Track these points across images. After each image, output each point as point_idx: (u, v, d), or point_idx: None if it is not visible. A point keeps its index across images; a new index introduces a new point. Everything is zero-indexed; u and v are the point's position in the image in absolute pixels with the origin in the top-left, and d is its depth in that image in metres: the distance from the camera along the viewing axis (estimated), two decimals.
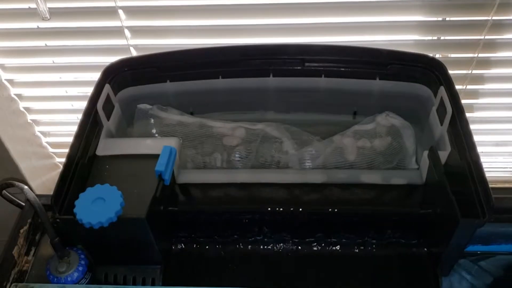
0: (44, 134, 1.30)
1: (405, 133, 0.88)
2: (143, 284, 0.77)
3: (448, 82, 0.81)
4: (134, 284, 0.77)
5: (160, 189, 0.73)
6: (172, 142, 0.80)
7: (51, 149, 1.34)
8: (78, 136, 0.77)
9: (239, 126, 0.89)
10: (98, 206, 0.68)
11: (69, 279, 0.76)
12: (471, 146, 0.72)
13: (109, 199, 0.69)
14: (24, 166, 1.21)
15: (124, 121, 0.91)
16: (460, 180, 0.71)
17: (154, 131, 0.89)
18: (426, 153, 0.79)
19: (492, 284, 0.88)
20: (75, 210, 0.68)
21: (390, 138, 0.87)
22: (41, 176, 1.30)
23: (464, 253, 0.84)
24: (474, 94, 1.11)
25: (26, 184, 1.12)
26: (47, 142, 1.32)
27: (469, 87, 1.08)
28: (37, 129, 1.28)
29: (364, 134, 0.88)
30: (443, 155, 0.77)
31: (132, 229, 0.70)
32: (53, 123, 1.28)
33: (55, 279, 0.76)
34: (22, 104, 1.21)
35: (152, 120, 0.90)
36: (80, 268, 0.77)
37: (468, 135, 0.74)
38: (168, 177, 0.75)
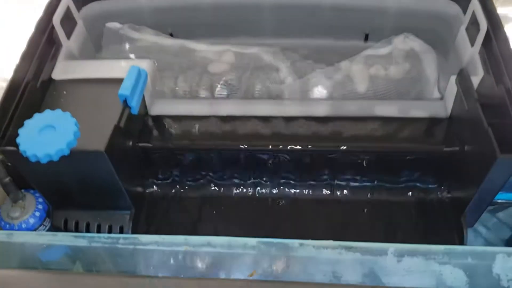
0: None
1: (426, 58, 0.75)
2: (110, 232, 0.66)
3: None
4: (99, 232, 0.66)
5: (126, 119, 0.60)
6: (144, 65, 0.67)
7: None
8: (28, 55, 0.64)
9: (228, 50, 0.76)
10: (46, 136, 0.56)
11: (23, 226, 0.66)
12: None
13: (61, 127, 0.57)
14: None
15: (91, 44, 0.77)
16: (497, 110, 0.58)
17: (125, 54, 0.75)
18: (453, 78, 0.65)
19: (509, 239, 0.78)
20: (18, 139, 0.56)
21: (408, 64, 0.75)
22: None
23: None
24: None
25: None
26: None
27: None
28: None
29: (378, 59, 0.76)
30: (474, 81, 0.63)
31: (90, 165, 0.58)
32: None
33: (7, 225, 0.65)
34: None
35: (123, 42, 0.76)
36: (37, 214, 0.67)
37: (507, 55, 0.61)
38: (136, 104, 0.62)
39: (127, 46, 0.76)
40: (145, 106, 0.68)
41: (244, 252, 0.57)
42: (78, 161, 0.57)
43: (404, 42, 0.75)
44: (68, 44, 0.71)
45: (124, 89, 0.60)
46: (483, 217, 0.79)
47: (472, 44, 0.68)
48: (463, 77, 0.63)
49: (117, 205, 0.65)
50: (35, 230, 0.66)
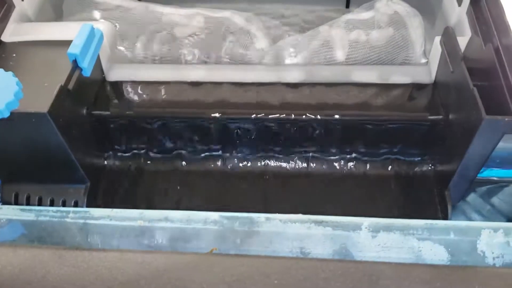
0: None
1: (412, 23, 0.69)
2: (64, 206, 0.60)
3: None
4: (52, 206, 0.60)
5: (76, 81, 0.54)
6: (101, 26, 0.61)
7: None
8: None
9: (197, 13, 0.70)
10: None
11: None
12: (502, 27, 0.54)
13: (1, 88, 0.50)
14: None
15: (51, 9, 0.72)
16: (484, 72, 0.53)
17: (88, 19, 0.69)
18: (437, 39, 0.60)
19: None
20: None
21: (392, 29, 0.69)
22: None
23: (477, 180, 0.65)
24: None
25: None
26: None
27: None
28: None
29: (359, 24, 0.69)
30: (461, 43, 0.57)
31: (34, 130, 0.53)
32: None
33: None
34: None
35: (86, 6, 0.70)
36: None
37: (497, 14, 0.56)
38: (88, 66, 0.56)
39: (89, 10, 0.70)
40: (102, 71, 0.62)
41: (204, 227, 0.52)
42: (21, 125, 0.52)
43: (388, 6, 0.69)
44: (22, 6, 0.65)
45: (74, 48, 0.54)
46: (477, 204, 0.74)
47: (460, 3, 0.63)
48: (448, 36, 0.57)
49: (71, 178, 0.59)
50: None
